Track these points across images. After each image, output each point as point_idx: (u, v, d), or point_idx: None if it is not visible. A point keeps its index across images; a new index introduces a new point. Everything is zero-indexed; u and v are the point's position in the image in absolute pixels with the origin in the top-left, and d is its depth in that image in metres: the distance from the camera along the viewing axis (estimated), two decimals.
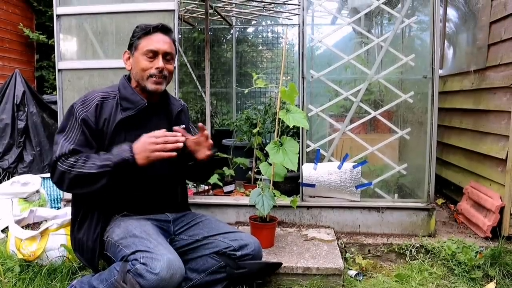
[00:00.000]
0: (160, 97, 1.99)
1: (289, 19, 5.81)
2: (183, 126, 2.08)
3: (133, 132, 1.87)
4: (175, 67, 2.40)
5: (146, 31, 1.87)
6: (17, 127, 3.95)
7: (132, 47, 1.91)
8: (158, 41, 1.87)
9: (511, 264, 2.29)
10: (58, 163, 1.74)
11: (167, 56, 1.90)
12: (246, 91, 2.53)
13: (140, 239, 1.71)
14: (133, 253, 1.65)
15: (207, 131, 1.95)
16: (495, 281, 2.22)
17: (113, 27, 2.75)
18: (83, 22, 2.77)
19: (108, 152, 1.78)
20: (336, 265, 2.14)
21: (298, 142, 2.56)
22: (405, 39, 3.24)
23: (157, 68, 1.85)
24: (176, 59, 2.18)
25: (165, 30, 1.91)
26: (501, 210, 2.51)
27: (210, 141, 1.95)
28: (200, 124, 1.95)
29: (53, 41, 2.84)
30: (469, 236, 2.65)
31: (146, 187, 1.94)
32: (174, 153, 1.75)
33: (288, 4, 5.11)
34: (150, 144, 1.73)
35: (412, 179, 2.85)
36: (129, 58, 1.94)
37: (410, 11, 2.73)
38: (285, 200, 2.47)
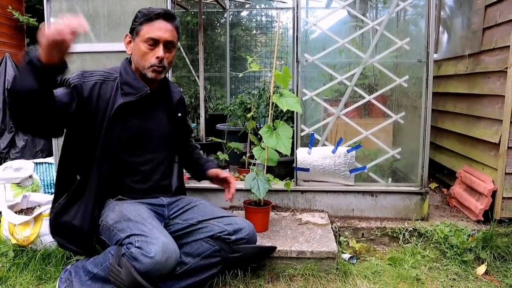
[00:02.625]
0: (159, 83, 1.97)
1: (283, 2, 5.75)
2: (180, 114, 2.08)
3: (131, 117, 1.85)
4: None
5: (148, 17, 1.82)
6: (8, 112, 3.90)
7: (133, 32, 1.86)
8: (160, 29, 1.82)
9: (502, 247, 2.32)
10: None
11: (168, 45, 1.85)
12: (240, 75, 2.53)
13: (135, 223, 1.70)
14: (128, 236, 1.65)
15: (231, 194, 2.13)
16: (486, 263, 2.25)
17: (104, 10, 2.70)
18: (74, 4, 2.72)
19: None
20: (330, 248, 2.16)
21: (292, 126, 2.56)
22: (400, 22, 3.21)
23: (157, 57, 1.81)
24: None
25: (168, 17, 1.85)
26: (493, 193, 2.54)
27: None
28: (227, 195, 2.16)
29: (44, 25, 2.78)
30: (462, 220, 2.68)
31: (141, 172, 1.93)
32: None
33: None
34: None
35: (406, 164, 2.87)
36: (130, 42, 1.90)
37: None
38: (279, 184, 2.48)
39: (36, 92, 1.48)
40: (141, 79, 1.88)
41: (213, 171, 2.22)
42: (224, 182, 2.20)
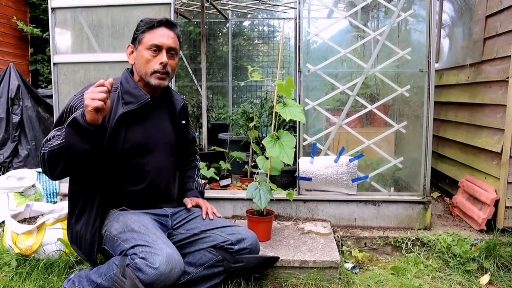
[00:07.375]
0: (162, 91, 1.99)
1: (285, 12, 5.80)
2: (184, 121, 2.09)
3: (134, 126, 1.86)
4: None
5: (150, 25, 1.85)
6: (12, 121, 3.93)
7: (136, 41, 1.89)
8: (163, 36, 1.85)
9: (506, 256, 2.32)
10: (42, 149, 1.70)
11: (171, 51, 1.88)
12: (242, 84, 2.56)
13: (139, 233, 1.71)
14: (132, 247, 1.65)
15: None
16: (489, 273, 2.25)
17: (108, 21, 2.73)
18: (78, 15, 2.75)
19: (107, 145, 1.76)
20: (332, 258, 2.15)
21: (295, 136, 2.57)
22: (401, 32, 3.24)
23: (161, 63, 1.83)
24: None
25: (170, 24, 1.89)
26: (496, 203, 2.54)
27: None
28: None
29: (48, 35, 2.83)
30: (464, 229, 2.68)
31: (143, 182, 1.94)
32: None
33: None
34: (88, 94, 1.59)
35: (408, 173, 2.87)
36: (132, 52, 1.92)
37: (406, 4, 2.72)
38: (282, 193, 2.48)
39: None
40: (143, 88, 1.90)
41: (185, 200, 2.14)
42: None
